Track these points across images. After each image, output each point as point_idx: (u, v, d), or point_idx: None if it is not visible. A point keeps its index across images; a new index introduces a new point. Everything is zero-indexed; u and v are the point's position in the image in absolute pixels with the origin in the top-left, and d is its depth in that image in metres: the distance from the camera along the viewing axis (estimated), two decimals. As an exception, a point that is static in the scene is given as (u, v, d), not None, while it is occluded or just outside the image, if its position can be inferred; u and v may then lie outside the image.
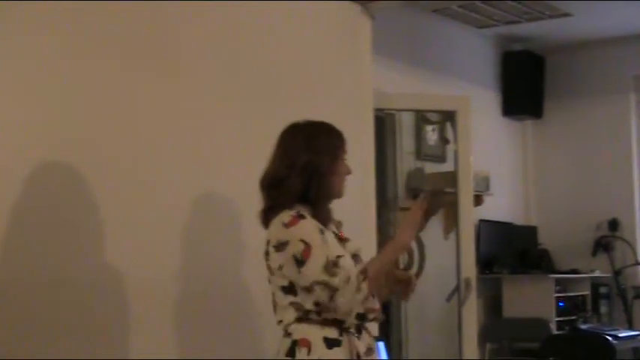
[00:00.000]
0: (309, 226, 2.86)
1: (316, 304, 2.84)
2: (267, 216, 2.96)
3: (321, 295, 2.80)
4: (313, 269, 2.80)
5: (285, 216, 2.88)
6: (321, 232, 2.89)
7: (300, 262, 2.81)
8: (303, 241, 2.83)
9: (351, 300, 2.79)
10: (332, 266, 2.80)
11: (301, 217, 2.87)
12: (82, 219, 3.42)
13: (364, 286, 2.80)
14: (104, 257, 3.45)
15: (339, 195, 3.03)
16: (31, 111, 3.29)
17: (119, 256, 3.48)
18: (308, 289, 2.83)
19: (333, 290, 2.78)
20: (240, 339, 3.93)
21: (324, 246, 2.83)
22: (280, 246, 2.86)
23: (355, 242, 3.09)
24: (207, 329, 3.79)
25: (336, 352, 2.85)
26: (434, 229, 6.65)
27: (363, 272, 2.83)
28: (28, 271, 3.22)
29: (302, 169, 2.92)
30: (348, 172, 3.04)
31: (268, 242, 2.92)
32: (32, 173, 3.26)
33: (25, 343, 3.17)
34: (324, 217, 2.97)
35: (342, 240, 3.01)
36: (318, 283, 2.79)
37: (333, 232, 3.00)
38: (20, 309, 3.17)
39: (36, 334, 3.20)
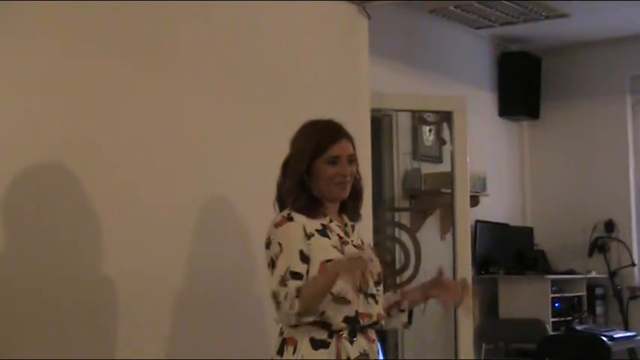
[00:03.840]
0: (290, 230, 2.88)
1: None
2: None
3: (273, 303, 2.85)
4: (276, 275, 2.83)
5: (278, 216, 2.93)
6: (309, 236, 2.88)
7: (273, 263, 2.86)
8: (279, 243, 2.86)
9: (285, 317, 2.80)
10: (287, 278, 2.81)
11: (290, 219, 2.89)
12: (82, 220, 3.42)
13: (297, 303, 2.76)
14: (105, 258, 3.45)
15: (327, 197, 2.99)
16: (30, 111, 3.29)
17: (120, 258, 3.48)
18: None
19: (277, 302, 2.81)
20: (243, 339, 3.92)
21: (293, 254, 2.84)
22: (267, 244, 2.91)
23: (362, 250, 3.03)
24: (211, 330, 3.80)
25: (322, 353, 2.84)
26: (430, 229, 6.66)
27: (298, 290, 2.79)
28: (28, 271, 3.22)
29: (284, 169, 2.99)
30: (340, 174, 2.97)
31: None
32: (33, 173, 3.26)
33: (24, 343, 3.17)
34: (320, 213, 2.95)
35: (345, 244, 2.97)
36: (273, 291, 2.83)
37: (338, 235, 2.97)
38: (19, 308, 3.17)
39: (35, 333, 3.20)
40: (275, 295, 2.81)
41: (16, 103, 3.25)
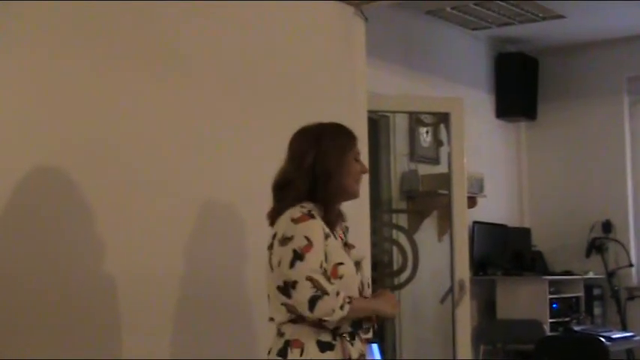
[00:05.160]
0: (315, 227, 2.87)
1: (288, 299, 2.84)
2: (275, 216, 2.97)
3: (304, 291, 2.77)
4: (308, 265, 2.79)
5: (296, 212, 2.89)
6: (326, 236, 2.89)
7: (299, 255, 2.81)
8: (307, 237, 2.83)
9: (329, 311, 2.78)
10: (326, 273, 2.82)
11: (312, 216, 2.88)
12: (81, 220, 3.42)
13: (347, 308, 2.81)
14: (103, 259, 3.45)
15: (352, 195, 3.04)
16: (30, 112, 3.29)
17: (119, 259, 3.48)
18: (294, 284, 2.79)
19: (321, 292, 2.77)
20: (237, 341, 3.93)
21: (322, 251, 2.84)
22: (285, 240, 2.86)
23: (359, 250, 3.09)
24: (205, 331, 3.80)
25: (329, 355, 2.85)
26: (428, 230, 6.66)
27: (350, 298, 2.83)
28: (26, 271, 3.22)
29: (309, 170, 2.94)
30: (363, 171, 3.06)
31: (274, 236, 2.92)
32: (32, 174, 3.26)
33: (24, 343, 3.17)
34: (333, 219, 2.97)
35: (347, 246, 3.01)
36: (311, 279, 2.78)
37: (340, 238, 2.99)
38: (18, 309, 3.17)
39: (36, 334, 3.20)
40: (317, 284, 2.76)
41: (17, 103, 3.25)
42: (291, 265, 2.81)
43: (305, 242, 2.82)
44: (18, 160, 3.23)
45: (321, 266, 2.82)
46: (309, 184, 2.93)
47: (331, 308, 2.78)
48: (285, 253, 2.84)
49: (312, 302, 2.77)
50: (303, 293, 2.78)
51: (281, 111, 4.11)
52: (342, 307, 2.79)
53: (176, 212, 3.74)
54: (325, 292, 2.77)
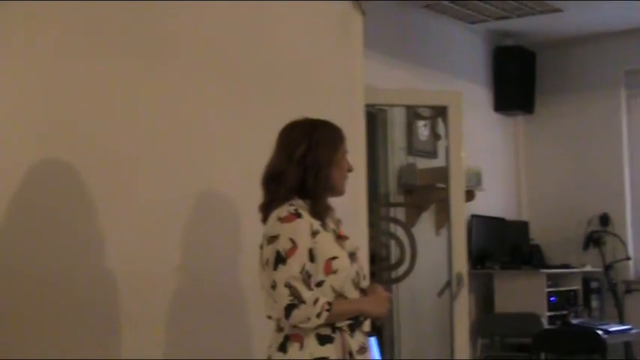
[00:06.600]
0: (301, 227, 2.87)
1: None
2: (266, 210, 2.97)
3: (282, 298, 2.80)
4: (289, 271, 2.81)
5: (283, 211, 2.89)
6: (315, 233, 2.88)
7: (282, 259, 2.83)
8: (291, 239, 2.84)
9: (304, 319, 2.80)
10: (307, 278, 2.83)
11: (298, 215, 2.88)
12: (78, 216, 3.42)
13: (324, 316, 2.81)
14: (101, 254, 3.45)
15: (339, 190, 3.02)
16: (29, 108, 3.30)
17: (116, 254, 3.48)
18: (274, 286, 2.83)
19: (298, 300, 2.79)
20: (234, 337, 3.93)
21: (305, 253, 2.84)
22: (271, 238, 2.88)
23: (353, 241, 3.08)
24: (202, 327, 3.79)
25: (329, 348, 2.86)
26: (425, 224, 6.67)
27: (330, 304, 2.82)
28: (24, 268, 3.22)
29: (300, 160, 2.93)
30: (350, 169, 3.04)
31: (264, 235, 2.94)
32: (30, 170, 3.26)
33: (23, 343, 3.17)
34: (322, 212, 2.96)
35: (341, 238, 3.01)
36: (289, 286, 2.80)
37: (333, 230, 3.00)
38: (17, 307, 3.18)
39: (35, 334, 3.21)
40: (294, 292, 2.79)
41: (15, 99, 3.26)
42: (275, 267, 2.83)
43: (289, 245, 2.83)
44: (17, 155, 3.23)
45: (302, 270, 2.82)
46: (300, 175, 2.93)
47: (306, 317, 2.79)
48: (271, 254, 2.86)
49: (288, 310, 2.79)
50: (280, 300, 2.81)
51: (278, 104, 4.10)
52: (318, 315, 2.79)
53: (172, 204, 3.73)
54: (302, 301, 2.79)
